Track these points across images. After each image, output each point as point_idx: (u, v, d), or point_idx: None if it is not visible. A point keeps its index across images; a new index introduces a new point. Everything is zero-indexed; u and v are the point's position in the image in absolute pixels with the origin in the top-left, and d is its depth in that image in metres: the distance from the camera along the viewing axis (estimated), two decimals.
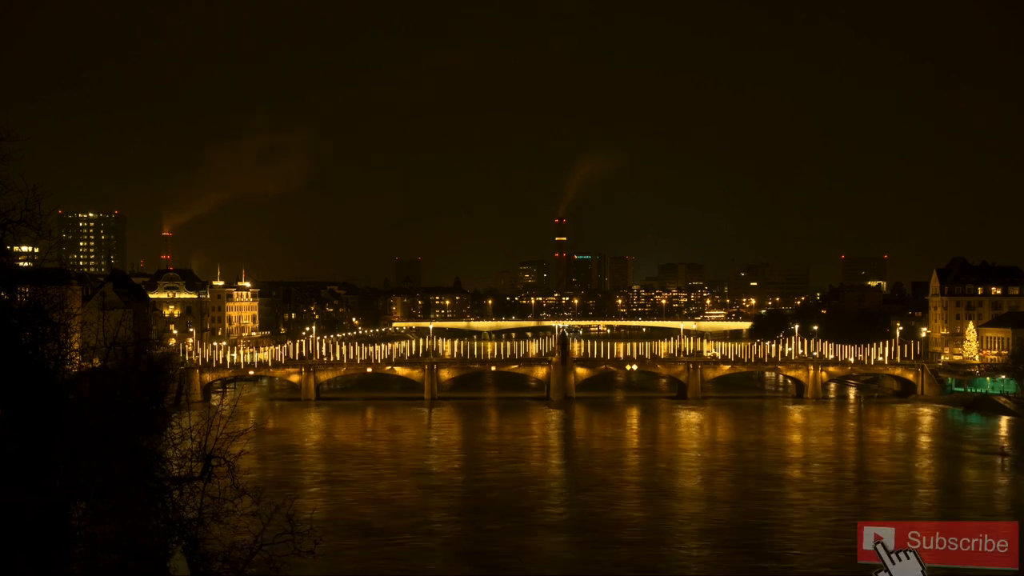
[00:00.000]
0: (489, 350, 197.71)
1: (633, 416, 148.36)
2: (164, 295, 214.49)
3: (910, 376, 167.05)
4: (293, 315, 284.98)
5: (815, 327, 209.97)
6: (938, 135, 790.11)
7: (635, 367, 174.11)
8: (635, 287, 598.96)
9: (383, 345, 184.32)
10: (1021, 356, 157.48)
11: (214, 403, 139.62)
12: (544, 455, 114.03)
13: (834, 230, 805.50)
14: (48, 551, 24.92)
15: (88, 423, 29.54)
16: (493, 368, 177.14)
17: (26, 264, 53.27)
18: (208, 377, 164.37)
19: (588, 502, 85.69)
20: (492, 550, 69.80)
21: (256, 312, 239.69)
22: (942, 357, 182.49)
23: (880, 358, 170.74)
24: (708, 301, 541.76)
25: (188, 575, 30.45)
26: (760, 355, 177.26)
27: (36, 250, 41.72)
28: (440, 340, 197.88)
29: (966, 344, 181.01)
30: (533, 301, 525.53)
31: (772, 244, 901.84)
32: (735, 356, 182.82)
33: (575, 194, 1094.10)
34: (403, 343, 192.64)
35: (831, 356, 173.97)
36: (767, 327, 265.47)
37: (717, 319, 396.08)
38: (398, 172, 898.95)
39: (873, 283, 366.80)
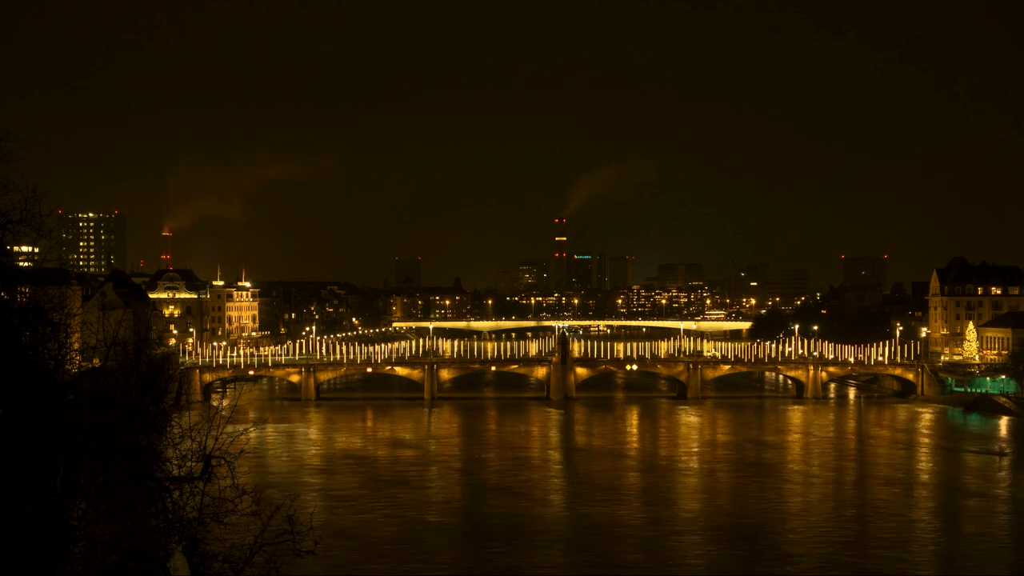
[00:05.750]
0: (489, 350, 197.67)
1: (633, 416, 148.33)
2: (164, 295, 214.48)
3: (910, 376, 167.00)
4: (293, 315, 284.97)
5: (815, 327, 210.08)
6: (938, 136, 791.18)
7: (635, 367, 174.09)
8: (635, 287, 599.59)
9: (383, 345, 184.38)
10: (1021, 356, 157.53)
11: (214, 403, 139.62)
12: (544, 455, 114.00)
13: (834, 230, 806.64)
14: (48, 551, 24.91)
15: (88, 423, 29.51)
16: (493, 368, 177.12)
17: (26, 264, 53.26)
18: (208, 377, 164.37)
19: (589, 502, 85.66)
20: (492, 550, 69.77)
21: (256, 312, 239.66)
22: (942, 357, 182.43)
23: (880, 358, 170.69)
24: (708, 301, 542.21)
25: (188, 575, 30.46)
26: (760, 355, 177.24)
27: (36, 250, 41.67)
28: (440, 340, 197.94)
29: (966, 344, 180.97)
30: (533, 301, 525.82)
31: (772, 244, 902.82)
32: (735, 356, 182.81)
33: (575, 194, 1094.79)
34: (403, 343, 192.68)
35: (831, 356, 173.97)
36: (767, 327, 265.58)
37: (717, 319, 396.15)
38: (398, 172, 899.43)
39: (873, 283, 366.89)
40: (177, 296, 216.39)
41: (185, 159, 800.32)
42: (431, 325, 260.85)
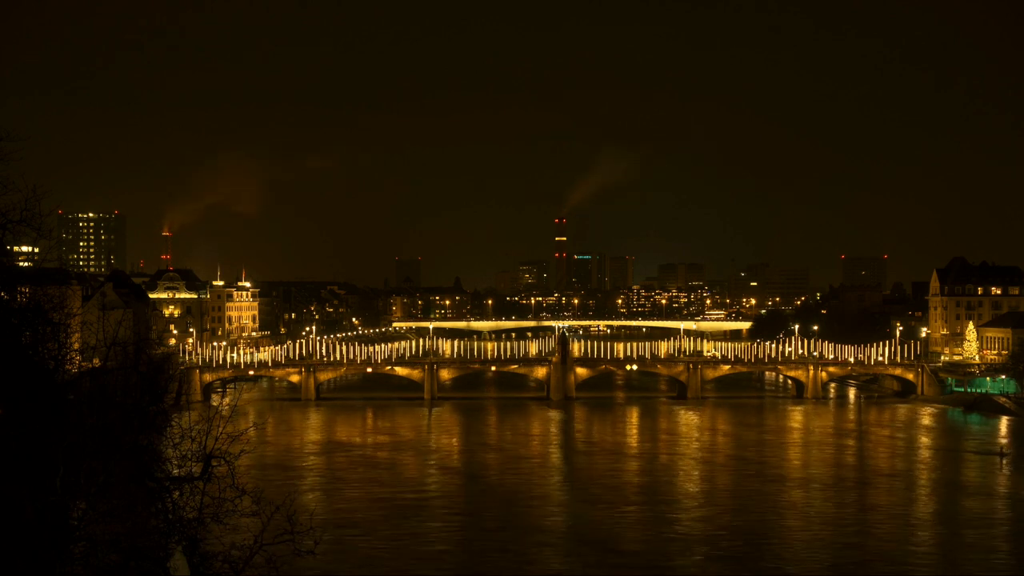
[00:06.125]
0: (489, 350, 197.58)
1: (633, 416, 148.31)
2: (164, 295, 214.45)
3: (910, 376, 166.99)
4: (293, 315, 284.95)
5: (815, 327, 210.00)
6: (938, 136, 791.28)
7: (635, 367, 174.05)
8: (635, 287, 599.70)
9: (383, 345, 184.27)
10: (1021, 356, 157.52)
11: (214, 403, 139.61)
12: (544, 456, 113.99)
13: (834, 230, 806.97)
14: (48, 551, 24.91)
15: (88, 423, 29.52)
16: (493, 368, 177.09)
17: (26, 264, 53.27)
18: (208, 377, 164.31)
19: (588, 503, 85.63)
20: (492, 551, 69.73)
21: (256, 312, 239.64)
22: (942, 357, 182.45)
23: (880, 358, 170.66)
24: (708, 301, 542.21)
25: (188, 575, 30.46)
26: (760, 355, 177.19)
27: (36, 250, 41.70)
28: (440, 340, 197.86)
29: (966, 344, 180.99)
30: (533, 301, 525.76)
31: (772, 244, 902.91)
32: (735, 356, 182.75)
33: (575, 194, 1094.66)
34: (403, 343, 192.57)
35: (831, 356, 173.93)
36: (767, 327, 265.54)
37: (717, 319, 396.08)
38: (398, 172, 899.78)
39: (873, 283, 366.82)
40: (177, 296, 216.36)
41: (185, 158, 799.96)
42: (431, 325, 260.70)
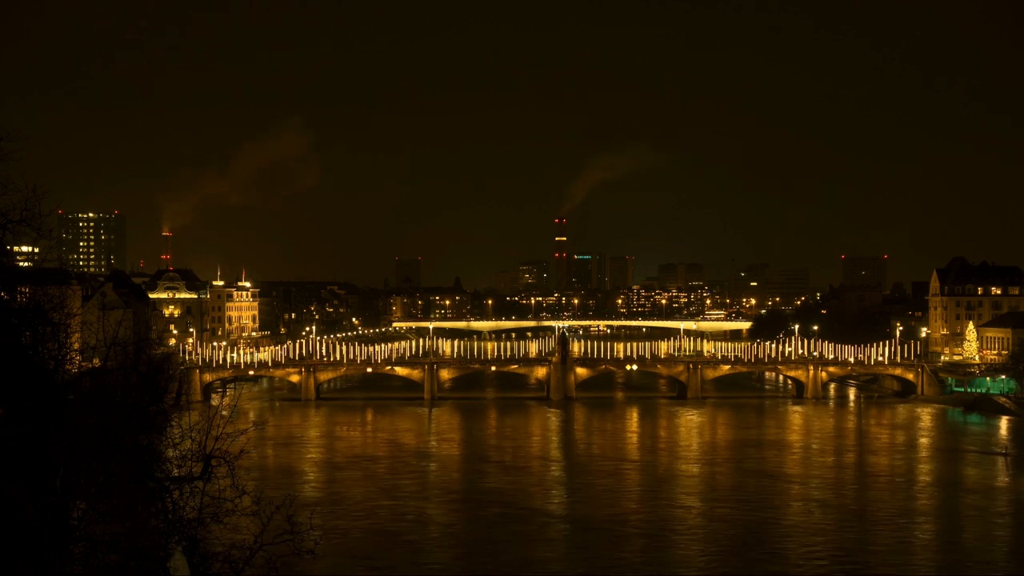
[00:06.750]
0: (489, 350, 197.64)
1: (633, 416, 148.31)
2: (164, 295, 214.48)
3: (910, 376, 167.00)
4: (293, 315, 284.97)
5: (815, 327, 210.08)
6: (938, 136, 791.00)
7: (635, 367, 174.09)
8: (635, 287, 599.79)
9: (383, 345, 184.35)
10: (1021, 356, 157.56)
11: (214, 403, 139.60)
12: (544, 455, 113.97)
13: (834, 230, 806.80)
14: (48, 551, 24.91)
15: (88, 423, 29.51)
16: (493, 368, 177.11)
17: (26, 264, 53.30)
18: (208, 377, 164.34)
19: (588, 503, 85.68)
20: (492, 551, 69.75)
21: (256, 312, 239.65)
22: (942, 357, 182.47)
23: (880, 358, 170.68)
24: (708, 301, 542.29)
25: (188, 575, 30.44)
26: (760, 355, 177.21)
27: (36, 250, 41.70)
28: (440, 340, 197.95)
29: (966, 344, 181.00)
30: (533, 301, 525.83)
31: (772, 244, 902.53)
32: (735, 356, 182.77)
33: (575, 194, 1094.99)
34: (403, 343, 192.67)
35: (831, 356, 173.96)
36: (767, 327, 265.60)
37: (717, 319, 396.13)
38: (398, 172, 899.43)
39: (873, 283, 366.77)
40: (177, 296, 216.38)
41: (185, 159, 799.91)
42: (431, 325, 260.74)
